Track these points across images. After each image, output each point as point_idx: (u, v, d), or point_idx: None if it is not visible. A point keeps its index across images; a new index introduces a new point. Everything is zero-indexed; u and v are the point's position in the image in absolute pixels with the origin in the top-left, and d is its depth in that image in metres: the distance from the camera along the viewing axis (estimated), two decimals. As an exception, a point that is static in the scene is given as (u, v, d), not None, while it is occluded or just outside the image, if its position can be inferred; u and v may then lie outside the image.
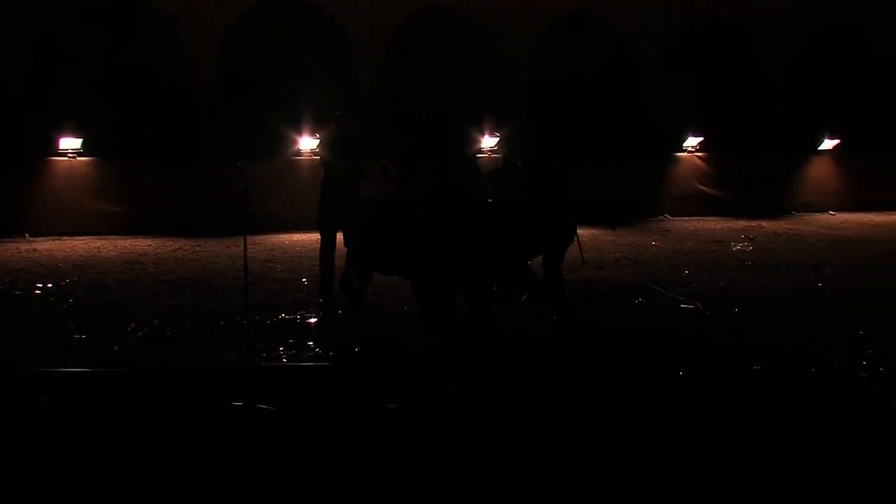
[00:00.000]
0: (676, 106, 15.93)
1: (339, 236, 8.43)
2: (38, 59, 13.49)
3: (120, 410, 5.41)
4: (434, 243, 6.87)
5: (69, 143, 13.23)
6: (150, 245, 12.32)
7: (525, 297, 8.06)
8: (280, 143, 13.85)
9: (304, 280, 9.60)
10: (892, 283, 9.91)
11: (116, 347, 6.86)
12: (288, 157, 14.07)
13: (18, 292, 9.02)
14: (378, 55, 15.09)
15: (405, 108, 14.52)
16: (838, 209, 17.09)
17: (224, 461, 4.65)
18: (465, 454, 4.74)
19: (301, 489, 4.36)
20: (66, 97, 13.13)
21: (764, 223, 15.16)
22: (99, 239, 12.78)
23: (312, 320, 7.87)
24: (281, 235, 12.91)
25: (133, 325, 7.52)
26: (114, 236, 12.96)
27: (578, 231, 8.03)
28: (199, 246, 12.15)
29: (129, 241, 12.67)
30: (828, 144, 17.43)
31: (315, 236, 8.97)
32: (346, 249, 8.13)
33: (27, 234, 12.81)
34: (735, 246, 12.49)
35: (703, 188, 16.59)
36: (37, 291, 9.07)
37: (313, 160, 12.75)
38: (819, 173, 17.53)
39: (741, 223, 15.14)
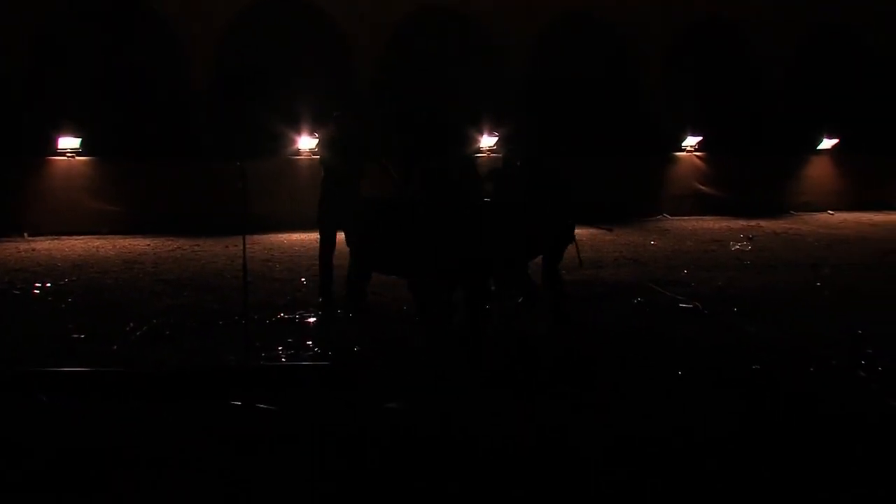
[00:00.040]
0: (675, 105, 15.96)
1: (339, 236, 8.43)
2: (38, 58, 13.49)
3: (119, 410, 5.40)
4: (434, 243, 6.86)
5: (68, 142, 13.23)
6: (148, 244, 12.31)
7: (521, 300, 8.05)
8: (279, 143, 13.86)
9: (302, 280, 9.60)
10: (891, 282, 9.92)
11: (115, 347, 6.85)
12: (287, 157, 14.07)
13: (17, 292, 9.02)
14: (377, 55, 15.10)
15: (405, 108, 14.54)
16: (837, 209, 17.12)
17: (224, 461, 4.64)
18: (465, 454, 4.74)
19: (301, 489, 4.35)
20: (65, 97, 13.14)
21: (763, 223, 15.17)
22: (98, 238, 12.77)
23: (311, 320, 7.86)
24: (280, 235, 12.91)
25: (132, 324, 7.51)
26: (113, 236, 12.95)
27: (576, 231, 8.04)
28: (197, 245, 12.15)
29: (127, 240, 12.66)
30: (826, 144, 17.47)
31: (314, 236, 8.97)
32: (347, 251, 8.12)
33: (26, 234, 12.80)
34: (734, 245, 12.51)
35: (702, 188, 16.61)
36: (35, 291, 9.06)
37: (312, 160, 12.75)
38: (818, 173, 17.56)
39: (740, 223, 15.15)
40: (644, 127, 16.00)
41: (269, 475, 4.47)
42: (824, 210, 17.02)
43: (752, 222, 15.16)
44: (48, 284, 9.35)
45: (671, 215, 16.05)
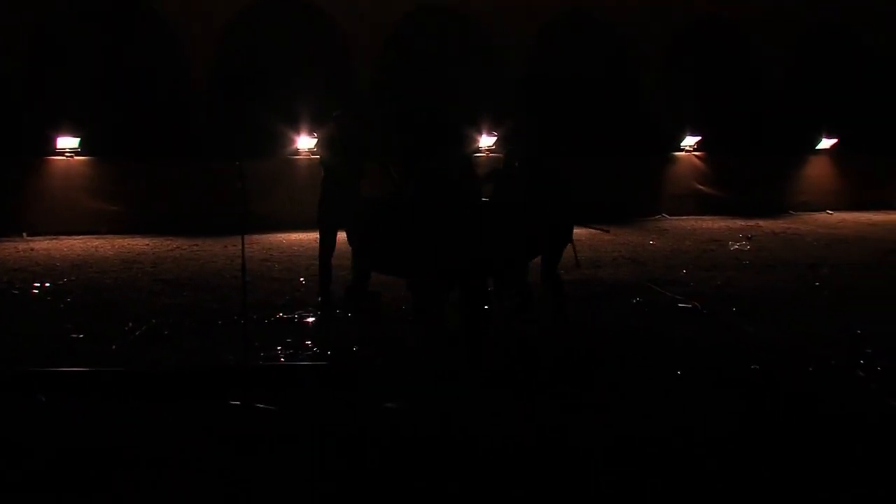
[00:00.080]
0: (675, 105, 15.95)
1: (340, 236, 8.42)
2: (37, 58, 13.48)
3: (119, 410, 5.40)
4: (433, 243, 6.86)
5: (67, 142, 13.21)
6: (147, 244, 12.30)
7: (517, 301, 8.04)
8: (278, 143, 13.85)
9: (301, 279, 9.59)
10: (890, 282, 9.93)
11: (114, 347, 6.85)
12: (286, 157, 14.07)
13: (16, 292, 9.01)
14: (377, 54, 15.10)
15: (405, 108, 14.53)
16: (836, 208, 17.12)
17: (224, 461, 4.65)
18: (465, 454, 4.74)
19: (301, 489, 4.36)
20: (64, 96, 13.12)
21: (762, 222, 15.18)
22: (97, 238, 12.76)
23: (310, 320, 7.86)
24: (279, 235, 12.91)
25: (131, 324, 7.51)
26: (111, 235, 12.94)
27: (574, 232, 8.03)
28: (196, 245, 12.14)
29: (126, 240, 12.65)
30: (825, 144, 17.46)
31: (313, 236, 8.96)
32: (347, 251, 8.12)
33: (25, 234, 12.78)
34: (733, 245, 12.51)
35: (701, 187, 16.61)
36: (34, 291, 9.06)
37: (312, 159, 12.75)
38: (817, 173, 17.56)
39: (739, 222, 15.15)
40: (644, 127, 16.00)
41: (269, 475, 4.47)
42: (823, 210, 17.02)
43: (751, 222, 15.16)
44: (47, 284, 9.35)
45: (670, 215, 16.05)
